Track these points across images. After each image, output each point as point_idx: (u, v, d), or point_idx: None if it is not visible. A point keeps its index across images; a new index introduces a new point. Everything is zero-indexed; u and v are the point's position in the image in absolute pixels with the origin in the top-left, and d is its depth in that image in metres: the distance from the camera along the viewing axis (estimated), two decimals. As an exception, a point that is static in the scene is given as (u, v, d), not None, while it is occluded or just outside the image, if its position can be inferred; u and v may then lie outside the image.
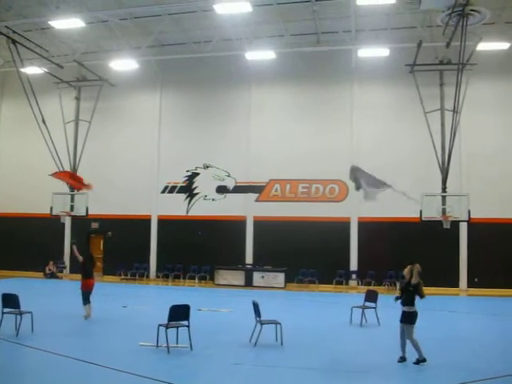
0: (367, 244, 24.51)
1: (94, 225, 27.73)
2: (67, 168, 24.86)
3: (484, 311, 17.97)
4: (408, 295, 10.04)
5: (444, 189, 21.76)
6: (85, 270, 14.79)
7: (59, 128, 25.13)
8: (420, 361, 9.75)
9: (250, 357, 10.53)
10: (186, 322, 10.76)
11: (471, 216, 21.02)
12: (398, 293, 10.76)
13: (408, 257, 23.62)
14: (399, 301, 10.18)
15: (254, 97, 26.67)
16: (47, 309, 15.03)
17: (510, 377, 9.09)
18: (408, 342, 9.89)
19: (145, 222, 27.32)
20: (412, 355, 9.91)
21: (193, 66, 26.35)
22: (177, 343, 10.84)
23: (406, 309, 10.00)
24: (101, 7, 20.98)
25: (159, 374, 8.87)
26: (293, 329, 12.40)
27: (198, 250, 25.70)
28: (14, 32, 21.47)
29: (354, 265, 24.97)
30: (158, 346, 10.70)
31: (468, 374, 9.16)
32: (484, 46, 21.04)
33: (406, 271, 10.29)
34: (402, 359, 9.96)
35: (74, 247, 15.68)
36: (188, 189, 27.23)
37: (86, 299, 14.46)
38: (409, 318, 9.93)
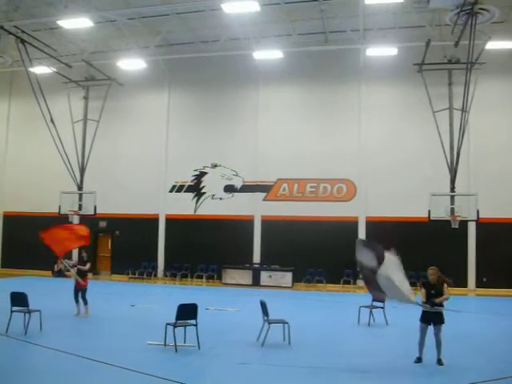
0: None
1: (102, 224, 27.82)
2: (75, 167, 24.95)
3: (493, 311, 17.89)
4: (438, 297, 9.99)
5: (452, 188, 21.64)
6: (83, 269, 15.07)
7: (67, 127, 25.25)
8: (440, 360, 9.80)
9: (258, 356, 10.52)
10: (193, 321, 10.78)
11: (480, 215, 20.92)
12: (421, 295, 10.37)
13: (416, 256, 23.66)
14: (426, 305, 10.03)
15: (262, 96, 26.65)
16: (55, 307, 15.08)
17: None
18: (434, 341, 9.93)
19: (153, 221, 27.37)
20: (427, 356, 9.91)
21: (200, 66, 26.38)
22: (184, 342, 10.86)
23: (436, 310, 9.95)
24: (109, 7, 21.02)
25: (167, 373, 8.89)
26: (300, 328, 12.38)
27: (205, 249, 25.72)
28: (23, 32, 21.57)
29: (361, 264, 24.86)
30: (165, 344, 10.72)
31: (476, 375, 9.13)
32: (493, 45, 20.93)
33: (431, 272, 10.22)
34: (419, 360, 9.93)
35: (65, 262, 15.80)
36: (196, 188, 27.26)
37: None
38: (441, 318, 10.00)
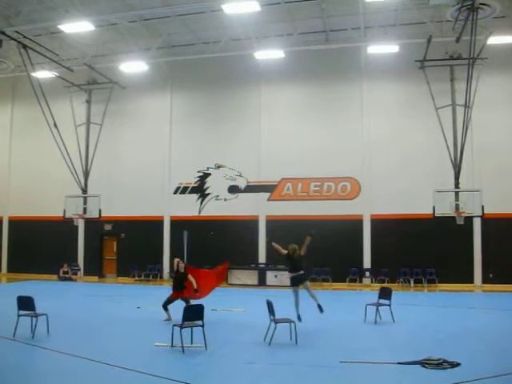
0: (380, 241, 24.41)
1: (107, 227, 27.89)
2: (79, 171, 25.00)
3: (499, 307, 17.80)
4: (299, 263, 12.77)
5: (457, 184, 21.61)
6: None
7: (70, 131, 25.33)
8: (320, 306, 12.68)
9: (265, 355, 10.52)
10: (200, 322, 10.78)
11: (484, 211, 20.87)
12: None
13: (422, 253, 23.68)
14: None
15: (264, 96, 26.65)
16: (62, 311, 15.12)
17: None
18: (309, 295, 12.79)
19: (157, 222, 27.40)
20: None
21: (202, 67, 26.41)
22: (191, 343, 10.86)
23: (301, 272, 12.70)
24: (110, 10, 21.06)
25: (174, 374, 8.89)
26: (307, 327, 12.40)
27: (210, 250, 25.73)
28: (24, 37, 21.62)
29: (367, 262, 24.87)
30: (172, 346, 10.74)
31: (482, 370, 9.08)
32: (494, 40, 20.83)
33: (290, 248, 12.90)
34: (299, 318, 12.38)
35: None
36: (200, 189, 27.28)
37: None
38: (305, 277, 12.79)
